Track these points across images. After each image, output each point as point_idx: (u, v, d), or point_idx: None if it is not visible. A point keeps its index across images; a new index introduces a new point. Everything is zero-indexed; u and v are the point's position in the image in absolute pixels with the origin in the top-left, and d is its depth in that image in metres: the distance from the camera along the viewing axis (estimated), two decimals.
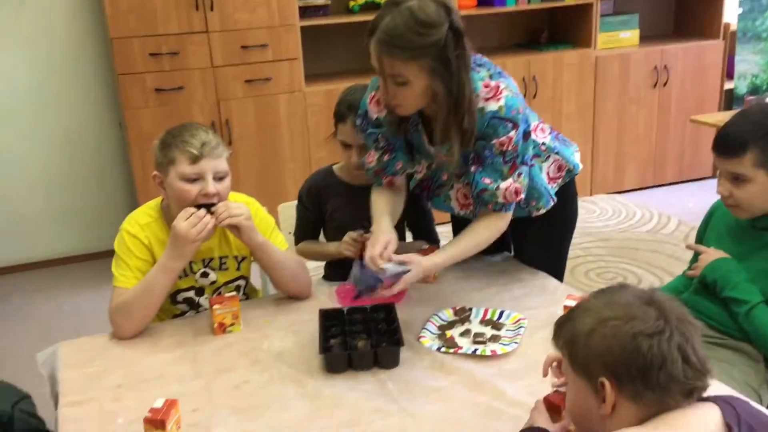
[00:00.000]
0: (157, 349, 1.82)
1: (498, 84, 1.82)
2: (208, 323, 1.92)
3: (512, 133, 1.81)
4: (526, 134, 1.87)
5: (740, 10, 4.73)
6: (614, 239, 4.20)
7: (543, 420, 1.34)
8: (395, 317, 1.80)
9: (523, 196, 1.90)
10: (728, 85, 4.92)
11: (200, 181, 1.85)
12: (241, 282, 2.08)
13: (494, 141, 1.82)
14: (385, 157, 1.99)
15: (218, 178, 1.88)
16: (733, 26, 4.80)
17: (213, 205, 1.86)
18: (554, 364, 1.43)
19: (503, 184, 1.85)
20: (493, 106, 1.80)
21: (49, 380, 1.80)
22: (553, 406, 1.37)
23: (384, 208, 1.98)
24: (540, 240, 2.15)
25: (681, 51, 4.75)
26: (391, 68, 1.73)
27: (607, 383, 1.10)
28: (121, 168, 4.26)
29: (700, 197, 4.80)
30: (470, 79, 1.78)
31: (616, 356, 1.09)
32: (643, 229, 4.32)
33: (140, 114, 3.72)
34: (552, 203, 2.05)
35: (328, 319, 1.81)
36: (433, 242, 2.31)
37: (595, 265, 3.86)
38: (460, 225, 2.14)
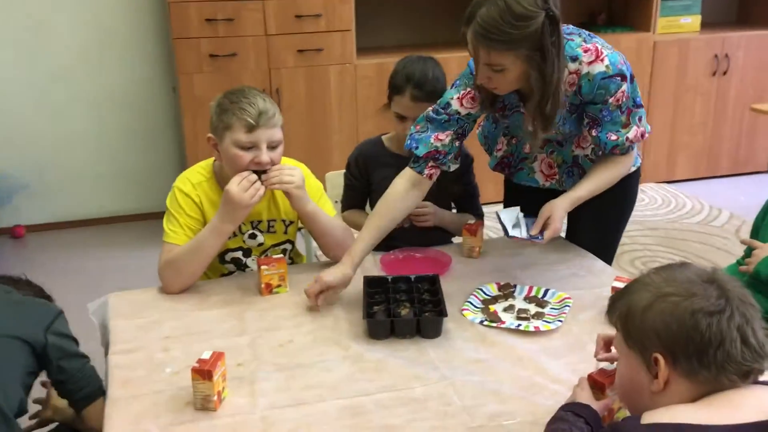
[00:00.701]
0: (204, 306, 1.86)
1: (595, 45, 1.86)
2: (254, 283, 1.95)
3: (624, 86, 1.86)
4: (632, 77, 1.91)
5: None
6: (662, 229, 4.12)
7: (586, 396, 1.33)
8: (439, 288, 1.80)
9: (647, 136, 1.98)
10: None
11: (254, 149, 1.87)
12: (288, 246, 2.10)
13: (610, 99, 1.86)
14: (457, 143, 1.98)
15: (272, 147, 1.89)
16: None
17: (266, 171, 1.88)
18: (602, 342, 1.42)
19: (630, 134, 1.92)
20: (599, 67, 1.83)
21: (100, 329, 1.86)
22: (597, 383, 1.36)
23: (377, 225, 1.92)
24: (595, 221, 2.13)
25: (744, 40, 4.61)
26: (488, 58, 1.75)
27: (661, 359, 1.09)
28: (173, 131, 4.32)
29: (754, 191, 4.68)
30: (564, 64, 1.80)
31: (673, 332, 1.08)
32: (693, 221, 4.23)
33: (194, 78, 3.76)
34: (640, 162, 2.12)
35: (372, 286, 1.82)
36: (478, 217, 2.30)
37: (641, 254, 3.80)
38: (512, 196, 2.18)
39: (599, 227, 2.16)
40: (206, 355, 1.45)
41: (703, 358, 1.06)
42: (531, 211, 1.93)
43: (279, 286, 1.91)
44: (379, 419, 1.41)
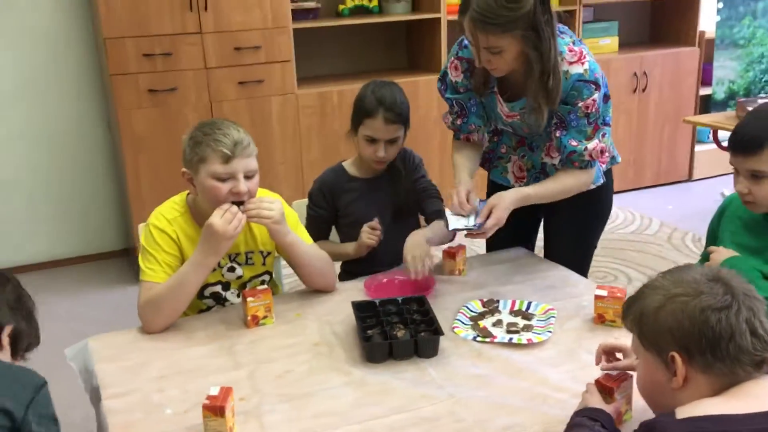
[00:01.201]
0: (191, 343, 1.82)
1: (581, 49, 1.96)
2: (237, 316, 1.92)
3: (596, 95, 1.95)
4: (606, 97, 2.01)
5: (718, 18, 4.90)
6: (601, 239, 4.28)
7: (596, 401, 1.37)
8: (429, 308, 1.82)
9: (607, 155, 2.07)
10: (704, 91, 5.09)
11: (231, 179, 1.86)
12: (266, 277, 2.08)
13: (580, 104, 1.95)
14: (459, 121, 2.18)
15: (248, 177, 1.88)
16: (709, 34, 4.97)
17: (243, 203, 1.87)
18: (603, 352, 1.48)
19: (590, 145, 2.00)
20: (578, 69, 1.94)
21: (81, 374, 1.78)
22: (605, 388, 1.41)
23: (463, 163, 2.16)
24: (572, 230, 2.23)
25: (660, 57, 4.89)
26: (486, 42, 1.87)
27: (677, 356, 1.15)
28: (110, 170, 4.20)
29: (678, 199, 4.95)
30: (557, 41, 1.90)
31: (685, 330, 1.14)
32: (627, 230, 4.43)
33: (133, 115, 3.68)
34: (602, 181, 2.19)
35: (362, 310, 1.82)
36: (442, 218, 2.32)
37: None
38: (489, 192, 2.27)
39: (578, 232, 2.26)
40: (214, 391, 1.42)
41: (716, 352, 1.13)
42: None
43: (265, 317, 1.89)
44: None
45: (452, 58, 2.14)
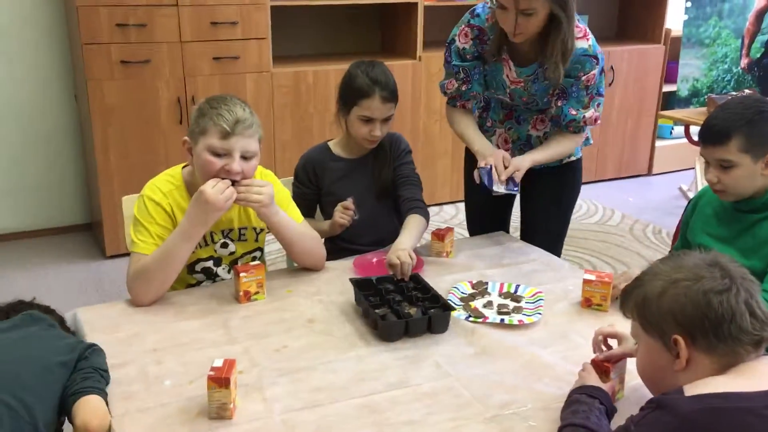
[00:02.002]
0: (183, 316, 1.81)
1: (585, 28, 2.17)
2: (229, 292, 1.92)
3: (595, 70, 2.15)
4: (601, 70, 2.20)
5: (686, 17, 5.03)
6: None
7: (593, 380, 1.42)
8: (428, 285, 1.85)
9: (599, 121, 2.26)
10: (667, 88, 5.23)
11: (227, 156, 1.84)
12: (257, 253, 2.08)
13: (582, 77, 2.14)
14: (464, 87, 2.28)
15: (245, 158, 1.87)
16: (675, 32, 5.10)
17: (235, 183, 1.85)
18: (599, 338, 1.53)
19: (587, 114, 2.22)
20: (583, 44, 2.13)
21: None
22: (602, 368, 1.46)
23: (475, 131, 2.31)
24: (551, 200, 2.43)
25: (626, 53, 5.00)
26: (519, 4, 1.99)
27: (680, 339, 1.20)
28: (75, 142, 4.10)
29: (639, 192, 5.09)
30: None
31: (688, 313, 1.19)
32: (591, 221, 4.54)
33: (104, 86, 3.60)
34: (581, 154, 2.43)
35: (362, 288, 1.84)
36: (420, 210, 2.26)
37: None
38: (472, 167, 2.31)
39: (556, 203, 2.44)
40: (218, 363, 1.42)
41: (718, 333, 1.18)
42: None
43: (257, 293, 1.89)
44: (396, 416, 1.44)
45: (463, 26, 2.23)
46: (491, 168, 2.09)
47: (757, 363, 1.19)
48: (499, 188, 2.09)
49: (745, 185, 1.96)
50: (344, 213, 2.23)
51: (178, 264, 1.86)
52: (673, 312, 1.22)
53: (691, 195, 4.87)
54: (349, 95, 2.23)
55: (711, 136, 1.96)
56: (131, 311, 1.83)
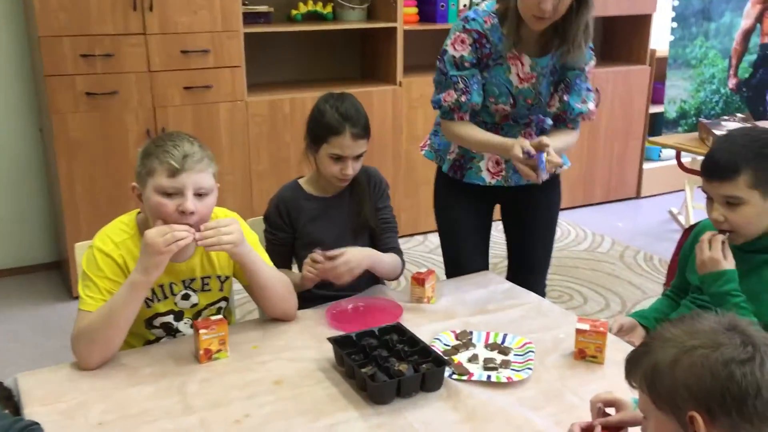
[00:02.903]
0: (135, 381, 1.63)
1: None
2: (189, 349, 1.74)
3: (594, 61, 2.24)
4: None
5: (672, 38, 4.93)
6: (554, 257, 4.22)
7: None
8: (414, 336, 1.69)
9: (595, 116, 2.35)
10: (653, 109, 5.12)
11: (179, 195, 1.68)
12: (223, 304, 1.91)
13: (586, 68, 2.22)
14: (463, 98, 2.20)
15: (199, 195, 1.71)
16: (661, 52, 5.01)
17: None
18: (599, 405, 1.36)
19: (590, 106, 2.28)
20: None
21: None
22: None
23: (484, 132, 2.24)
24: (543, 225, 2.51)
25: (611, 75, 4.90)
26: None
27: (698, 417, 1.03)
28: (39, 178, 3.92)
29: (628, 217, 4.96)
30: None
31: (707, 386, 1.03)
32: (580, 248, 4.39)
33: (68, 119, 3.43)
34: (569, 163, 2.47)
35: (343, 346, 1.66)
36: (397, 252, 2.20)
37: None
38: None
39: (542, 222, 2.51)
40: None
41: (743, 410, 1.02)
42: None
43: (219, 351, 1.71)
44: None
45: (457, 33, 2.17)
46: (542, 155, 2.04)
47: None
48: (545, 175, 2.08)
49: (756, 224, 1.82)
50: (313, 266, 2.01)
51: (125, 321, 1.68)
52: (688, 385, 1.05)
53: (681, 218, 4.75)
54: (318, 132, 2.07)
55: (717, 171, 1.81)
56: (77, 376, 1.65)
